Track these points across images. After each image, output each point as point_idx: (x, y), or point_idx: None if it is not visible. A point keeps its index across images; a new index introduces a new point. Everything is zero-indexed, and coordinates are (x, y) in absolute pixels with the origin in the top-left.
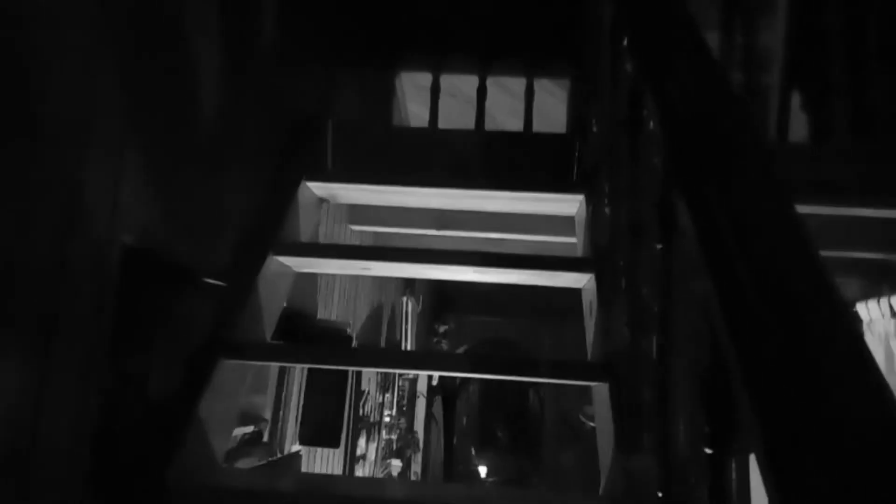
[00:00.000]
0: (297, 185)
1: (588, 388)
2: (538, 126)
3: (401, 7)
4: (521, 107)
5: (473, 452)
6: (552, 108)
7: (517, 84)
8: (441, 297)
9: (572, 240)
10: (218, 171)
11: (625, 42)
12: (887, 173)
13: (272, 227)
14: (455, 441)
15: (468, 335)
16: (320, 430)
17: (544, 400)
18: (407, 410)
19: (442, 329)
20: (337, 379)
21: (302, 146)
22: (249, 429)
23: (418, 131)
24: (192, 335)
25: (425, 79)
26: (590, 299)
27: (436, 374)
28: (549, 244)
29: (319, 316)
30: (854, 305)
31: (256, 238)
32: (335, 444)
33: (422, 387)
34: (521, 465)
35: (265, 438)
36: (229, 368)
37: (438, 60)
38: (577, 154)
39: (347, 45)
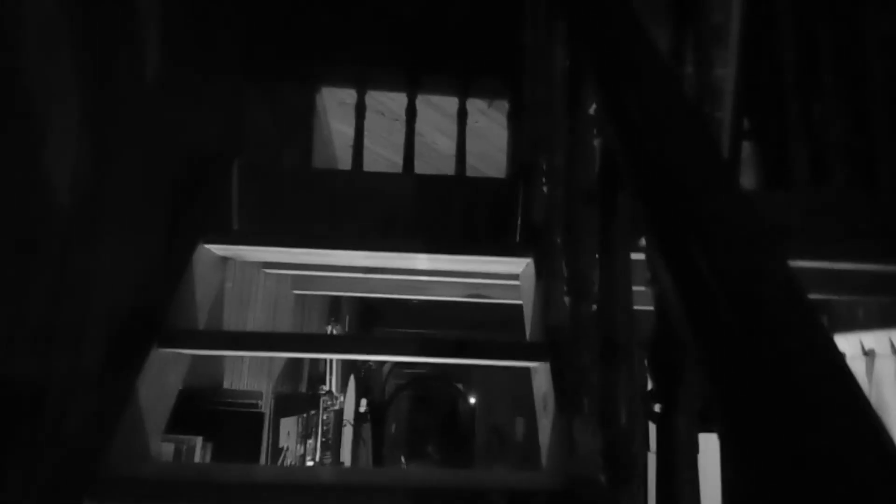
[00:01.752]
0: (191, 249)
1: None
2: (471, 147)
3: (320, 16)
4: (451, 126)
5: (403, 461)
6: (486, 129)
7: (448, 102)
8: (369, 311)
9: (515, 282)
10: (76, 247)
11: (592, 107)
12: (843, 223)
13: (159, 308)
14: (384, 452)
15: None
16: None
17: (476, 411)
18: (332, 443)
19: None
20: (249, 450)
21: (200, 197)
22: None
23: (341, 175)
24: (46, 473)
25: (348, 95)
26: (544, 390)
27: (363, 401)
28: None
29: (227, 384)
30: None
31: (137, 325)
32: None
33: (349, 415)
34: None
35: None
36: None
37: (362, 74)
38: (520, 204)
39: (259, 59)
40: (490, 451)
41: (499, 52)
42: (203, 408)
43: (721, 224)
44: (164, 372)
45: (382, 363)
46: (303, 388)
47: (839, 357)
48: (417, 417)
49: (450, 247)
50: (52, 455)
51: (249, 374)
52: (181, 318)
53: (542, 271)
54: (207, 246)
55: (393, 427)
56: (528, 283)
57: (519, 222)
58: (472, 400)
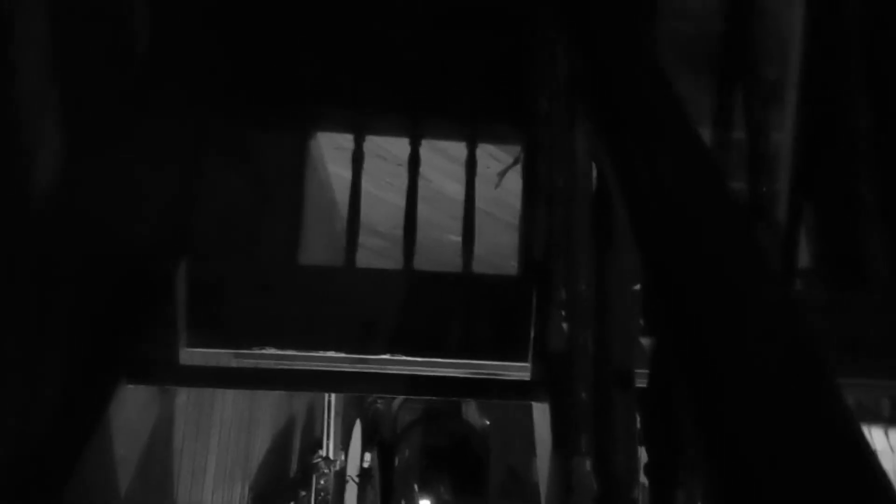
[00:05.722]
0: (108, 396)
1: None
2: (483, 193)
3: (310, 60)
4: (460, 171)
5: (416, 488)
6: (496, 174)
7: (455, 148)
8: None
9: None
10: None
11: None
12: None
13: (52, 491)
14: (395, 483)
15: None
16: None
17: (490, 451)
18: (333, 498)
19: None
20: None
21: (128, 319)
22: None
23: (326, 273)
24: None
25: (345, 139)
26: None
27: (367, 456)
28: None
29: (182, 500)
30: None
31: None
32: None
33: (353, 470)
34: None
35: None
36: None
37: (359, 120)
38: (533, 315)
39: (228, 111)
40: (505, 493)
41: (509, 98)
42: None
43: None
44: None
45: (391, 401)
46: (292, 470)
47: None
48: (430, 444)
49: (445, 390)
50: None
51: (215, 483)
52: (91, 496)
53: (561, 439)
54: (133, 386)
55: (406, 452)
56: (544, 438)
57: (531, 337)
58: (486, 422)
